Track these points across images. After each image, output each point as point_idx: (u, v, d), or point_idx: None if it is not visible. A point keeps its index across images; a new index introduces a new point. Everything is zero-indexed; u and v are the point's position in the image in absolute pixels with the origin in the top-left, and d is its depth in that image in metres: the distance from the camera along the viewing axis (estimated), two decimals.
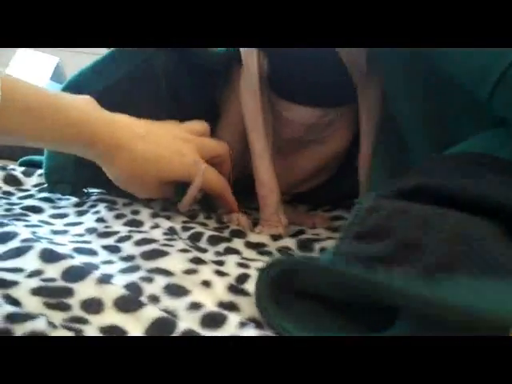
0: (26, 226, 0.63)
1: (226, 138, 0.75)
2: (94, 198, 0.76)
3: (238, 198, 0.74)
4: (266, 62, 0.68)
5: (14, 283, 0.46)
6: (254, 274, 0.53)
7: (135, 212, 0.69)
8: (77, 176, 0.74)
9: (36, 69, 1.21)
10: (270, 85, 0.72)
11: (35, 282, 0.47)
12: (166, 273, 0.51)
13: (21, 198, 0.76)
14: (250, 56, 0.68)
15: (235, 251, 0.61)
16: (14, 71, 1.27)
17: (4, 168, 0.83)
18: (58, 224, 0.66)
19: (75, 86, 0.70)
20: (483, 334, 0.31)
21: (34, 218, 0.67)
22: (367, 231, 0.46)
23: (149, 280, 0.50)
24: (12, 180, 0.81)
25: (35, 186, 0.81)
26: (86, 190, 0.78)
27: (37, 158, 0.85)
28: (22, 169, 0.84)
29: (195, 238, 0.63)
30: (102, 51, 0.93)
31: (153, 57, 0.72)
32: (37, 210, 0.71)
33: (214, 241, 0.63)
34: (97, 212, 0.69)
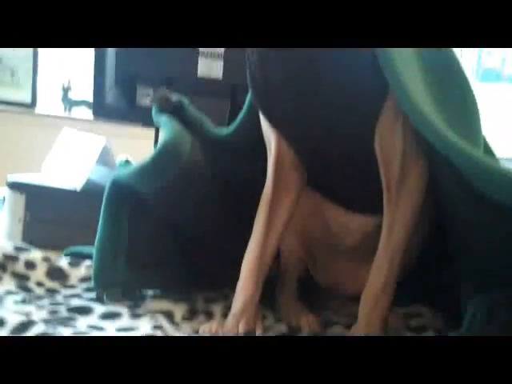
0: (74, 333, 0.55)
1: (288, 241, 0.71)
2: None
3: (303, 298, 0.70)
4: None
5: None
6: None
7: None
8: (130, 277, 0.67)
9: (83, 150, 1.16)
10: (318, 189, 0.68)
11: None
12: None
13: (66, 296, 0.67)
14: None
15: None
16: (59, 152, 1.22)
17: (47, 259, 0.74)
18: (110, 328, 0.58)
19: (123, 186, 0.66)
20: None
21: (81, 323, 0.59)
22: None
23: None
24: (57, 272, 0.73)
25: (82, 280, 0.72)
26: (139, 292, 0.69)
27: (86, 249, 0.76)
28: (68, 259, 0.76)
29: None
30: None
31: (195, 150, 0.67)
32: (85, 310, 0.62)
33: None
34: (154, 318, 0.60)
